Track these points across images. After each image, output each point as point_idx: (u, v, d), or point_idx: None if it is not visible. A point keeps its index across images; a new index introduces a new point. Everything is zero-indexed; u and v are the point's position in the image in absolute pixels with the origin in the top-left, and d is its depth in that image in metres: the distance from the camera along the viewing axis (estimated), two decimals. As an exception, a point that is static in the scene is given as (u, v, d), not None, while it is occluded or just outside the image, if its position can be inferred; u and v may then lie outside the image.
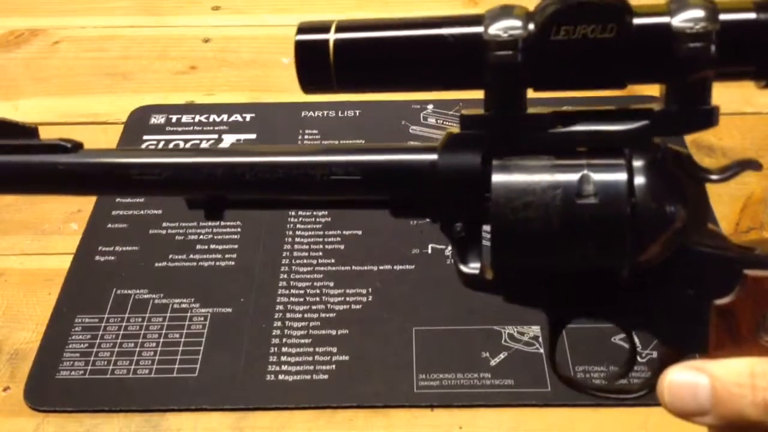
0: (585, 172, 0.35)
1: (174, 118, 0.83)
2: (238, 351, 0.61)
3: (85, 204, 0.73)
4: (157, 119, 0.83)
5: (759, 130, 0.79)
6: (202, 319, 0.63)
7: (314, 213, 0.72)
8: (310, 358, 0.60)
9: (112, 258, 0.68)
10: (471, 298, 0.63)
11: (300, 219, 0.71)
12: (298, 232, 0.70)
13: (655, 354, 0.58)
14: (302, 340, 0.62)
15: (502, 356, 0.60)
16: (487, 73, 0.34)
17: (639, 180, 0.34)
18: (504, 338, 0.61)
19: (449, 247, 0.67)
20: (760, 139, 0.78)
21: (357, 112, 0.83)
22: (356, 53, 0.35)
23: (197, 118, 0.83)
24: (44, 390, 0.59)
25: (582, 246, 0.35)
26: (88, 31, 0.96)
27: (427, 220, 0.39)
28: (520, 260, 0.36)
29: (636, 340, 0.42)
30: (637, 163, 0.35)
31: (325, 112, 0.83)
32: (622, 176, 0.34)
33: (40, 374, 0.60)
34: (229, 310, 0.64)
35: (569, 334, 0.61)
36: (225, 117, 0.83)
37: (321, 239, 0.69)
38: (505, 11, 0.34)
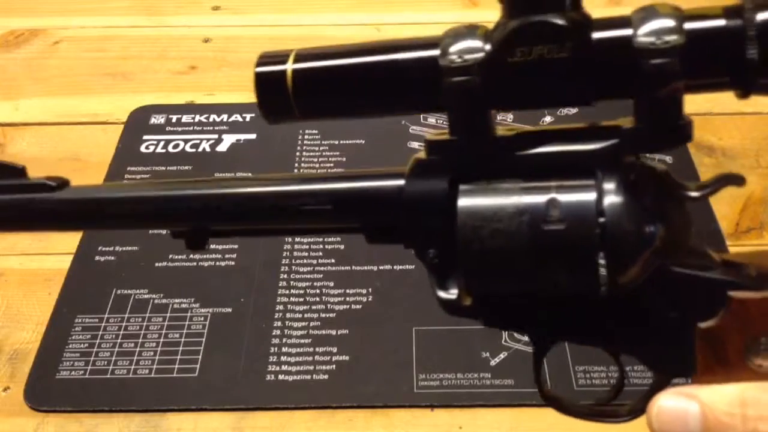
0: (552, 195, 0.33)
1: (174, 118, 0.83)
2: (238, 351, 0.61)
3: (85, 204, 0.73)
4: (157, 119, 0.83)
5: (759, 130, 0.79)
6: (202, 319, 0.63)
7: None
8: (310, 358, 0.60)
9: (112, 258, 0.68)
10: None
11: (300, 219, 0.71)
12: (298, 232, 0.70)
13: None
14: (302, 340, 0.62)
15: (502, 356, 0.60)
16: (446, 98, 0.34)
17: (609, 200, 0.33)
18: (504, 338, 0.61)
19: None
20: (761, 139, 0.78)
21: (357, 112, 0.83)
22: (313, 82, 0.35)
23: (197, 118, 0.83)
24: (44, 390, 0.59)
25: (552, 272, 0.34)
26: (88, 31, 0.96)
27: (402, 246, 0.38)
28: (491, 287, 0.35)
29: (617, 362, 0.41)
30: (607, 184, 0.33)
31: (325, 112, 0.83)
32: (590, 197, 0.33)
33: (40, 374, 0.60)
34: (229, 310, 0.64)
35: (569, 334, 0.61)
36: (225, 117, 0.83)
37: (321, 239, 0.69)
38: (465, 32, 0.33)
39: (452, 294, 0.36)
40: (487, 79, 0.33)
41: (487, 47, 0.33)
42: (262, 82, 0.36)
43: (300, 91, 0.35)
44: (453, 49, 0.33)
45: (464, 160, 0.35)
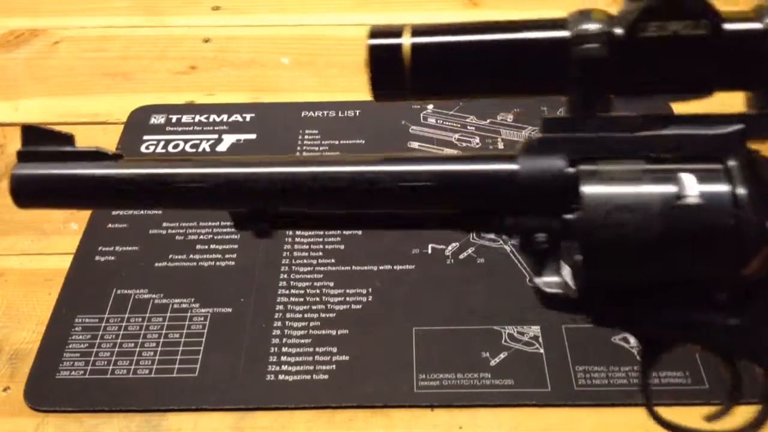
0: (684, 175, 0.32)
1: (174, 118, 0.83)
2: (238, 351, 0.61)
3: (85, 204, 0.73)
4: (157, 119, 0.83)
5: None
6: (202, 319, 0.63)
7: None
8: (310, 358, 0.60)
9: (112, 258, 0.68)
10: (471, 298, 0.64)
11: (300, 219, 0.71)
12: (298, 232, 0.70)
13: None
14: (302, 340, 0.62)
15: (502, 356, 0.60)
16: (572, 76, 0.32)
17: (740, 190, 0.32)
18: (504, 338, 0.61)
19: (449, 247, 0.67)
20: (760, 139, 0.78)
21: (357, 111, 0.83)
22: (434, 58, 0.34)
23: (197, 118, 0.83)
24: (44, 390, 0.59)
25: (682, 253, 0.32)
26: (88, 31, 0.96)
27: (502, 235, 0.37)
28: (613, 273, 0.33)
29: (733, 371, 0.39)
30: (737, 172, 0.32)
31: (325, 112, 0.83)
32: (724, 185, 0.32)
33: (40, 374, 0.60)
34: (229, 310, 0.64)
35: (569, 334, 0.61)
36: (225, 117, 0.83)
37: (321, 239, 0.69)
38: (592, 11, 0.33)
39: (555, 286, 0.34)
40: (615, 54, 0.32)
41: (618, 24, 0.32)
42: (377, 54, 0.34)
43: (419, 67, 0.33)
44: (583, 26, 0.32)
45: (584, 139, 0.34)
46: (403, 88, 0.34)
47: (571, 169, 0.33)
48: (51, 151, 0.38)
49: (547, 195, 0.34)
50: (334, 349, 0.61)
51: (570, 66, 0.32)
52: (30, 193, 0.37)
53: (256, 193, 0.35)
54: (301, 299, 0.65)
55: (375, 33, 0.34)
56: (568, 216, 0.33)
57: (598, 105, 0.33)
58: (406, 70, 0.33)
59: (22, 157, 0.38)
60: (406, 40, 0.33)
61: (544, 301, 0.35)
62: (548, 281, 0.35)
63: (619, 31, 0.32)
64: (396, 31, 0.34)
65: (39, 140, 0.38)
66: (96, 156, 0.37)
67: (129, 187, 0.36)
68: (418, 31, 0.34)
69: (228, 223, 0.70)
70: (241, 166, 0.36)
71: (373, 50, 0.34)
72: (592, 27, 0.32)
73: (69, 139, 0.38)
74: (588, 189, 0.33)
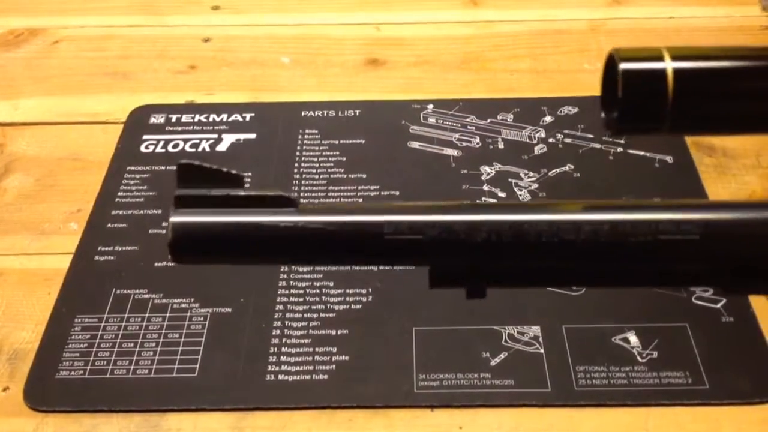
0: None
1: (174, 117, 0.83)
2: (238, 351, 0.61)
3: (85, 204, 0.73)
4: (157, 119, 0.83)
5: (759, 129, 0.79)
6: (202, 319, 0.63)
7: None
8: (310, 358, 0.60)
9: (112, 258, 0.68)
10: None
11: (300, 219, 0.71)
12: (297, 232, 0.70)
13: (655, 354, 0.59)
14: (302, 340, 0.62)
15: (502, 356, 0.60)
16: None
17: None
18: (504, 338, 0.61)
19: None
20: (762, 138, 0.78)
21: (357, 111, 0.83)
22: (702, 86, 0.29)
23: (197, 117, 0.83)
24: (43, 390, 0.59)
25: None
26: (87, 30, 0.96)
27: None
28: None
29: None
30: None
31: (325, 112, 0.83)
32: None
33: (40, 374, 0.60)
34: (229, 310, 0.64)
35: (569, 334, 0.61)
36: (225, 117, 0.83)
37: (321, 239, 0.69)
38: None
39: None
40: None
41: None
42: (633, 82, 0.28)
43: (682, 96, 0.28)
44: None
45: None
46: (661, 122, 0.29)
47: None
48: (217, 195, 0.31)
49: None
50: (334, 349, 0.61)
51: None
52: (192, 246, 0.31)
53: (482, 246, 0.30)
54: (301, 299, 0.64)
55: (625, 57, 0.28)
56: None
57: None
58: (669, 102, 0.28)
59: (180, 202, 0.31)
60: (669, 65, 0.28)
61: None
62: None
63: None
64: (654, 55, 0.29)
65: (199, 181, 0.31)
66: (274, 201, 0.30)
67: (325, 239, 0.30)
68: (678, 55, 0.29)
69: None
70: (461, 212, 0.30)
71: (626, 75, 0.28)
72: None
73: (239, 180, 0.31)
74: None
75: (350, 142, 0.79)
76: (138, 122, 0.83)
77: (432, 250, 0.30)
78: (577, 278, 0.32)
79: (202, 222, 0.30)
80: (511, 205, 0.31)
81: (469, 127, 0.80)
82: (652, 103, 0.28)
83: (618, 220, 0.29)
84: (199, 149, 0.79)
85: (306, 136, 0.80)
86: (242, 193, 0.30)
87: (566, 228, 0.29)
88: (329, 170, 0.76)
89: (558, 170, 0.75)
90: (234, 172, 0.31)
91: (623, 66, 0.28)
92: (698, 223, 0.29)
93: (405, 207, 0.32)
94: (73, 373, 0.60)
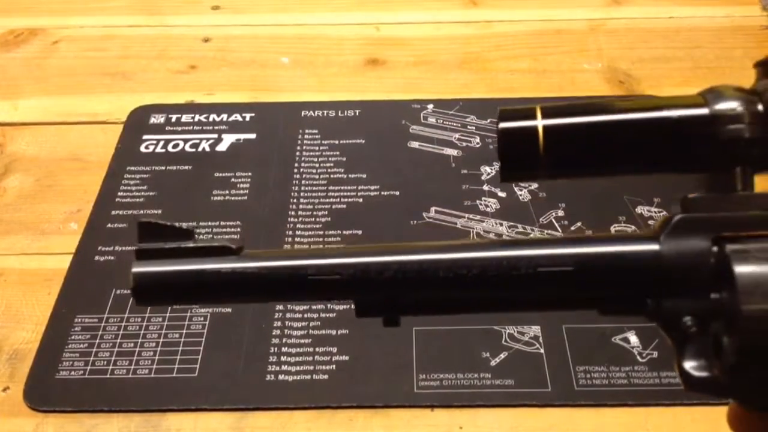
0: None
1: (174, 117, 0.83)
2: (238, 351, 0.61)
3: (85, 204, 0.73)
4: (157, 119, 0.83)
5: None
6: (202, 319, 0.63)
7: (314, 212, 0.72)
8: (310, 358, 0.60)
9: (112, 258, 0.68)
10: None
11: (300, 219, 0.71)
12: (298, 232, 0.70)
13: (655, 354, 0.59)
14: (302, 340, 0.62)
15: (502, 356, 0.60)
16: (714, 152, 0.32)
17: None
18: (504, 338, 0.61)
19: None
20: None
21: (357, 111, 0.83)
22: (569, 140, 0.33)
23: (197, 117, 0.83)
24: (44, 390, 0.59)
25: None
26: (87, 30, 0.96)
27: (645, 319, 0.34)
28: None
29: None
30: None
31: (325, 112, 0.83)
32: None
33: (40, 374, 0.60)
34: (229, 310, 0.64)
35: (569, 334, 0.61)
36: (225, 116, 0.83)
37: (321, 239, 0.69)
38: (730, 88, 0.32)
39: (703, 369, 0.33)
40: (759, 135, 0.31)
41: (758, 102, 0.32)
42: (510, 139, 0.33)
43: (553, 149, 0.33)
44: (722, 105, 0.32)
45: (728, 218, 0.33)
46: (535, 170, 0.33)
47: (716, 249, 0.32)
48: (170, 248, 0.36)
49: (695, 276, 0.33)
50: (334, 349, 0.61)
51: (712, 145, 0.32)
52: (151, 292, 0.36)
53: (390, 282, 0.34)
54: (301, 299, 0.64)
55: (506, 116, 0.33)
56: (718, 297, 0.32)
57: (740, 183, 0.33)
58: (540, 153, 0.32)
59: (140, 255, 0.37)
60: (539, 123, 0.33)
61: (691, 384, 0.33)
62: (695, 365, 0.33)
63: (760, 108, 0.31)
64: (528, 114, 0.33)
65: (156, 236, 0.38)
66: (218, 251, 0.35)
67: (260, 281, 0.35)
68: (548, 112, 0.33)
69: (228, 223, 0.71)
70: (373, 254, 0.34)
71: (505, 134, 0.33)
72: (733, 105, 0.32)
73: (189, 234, 0.36)
74: (741, 269, 0.31)
75: (350, 142, 0.79)
76: (138, 122, 0.83)
77: (350, 287, 0.34)
78: (473, 306, 0.35)
79: (158, 271, 0.36)
80: (417, 247, 0.35)
81: (468, 127, 0.80)
82: (527, 155, 0.33)
83: (502, 256, 0.33)
84: (199, 149, 0.79)
85: (306, 136, 0.80)
86: (192, 245, 0.36)
87: (460, 264, 0.34)
88: (329, 170, 0.76)
89: (558, 170, 0.75)
90: (185, 227, 0.36)
91: (502, 125, 0.33)
92: (572, 256, 0.33)
93: (329, 251, 0.38)
94: (73, 373, 0.60)
